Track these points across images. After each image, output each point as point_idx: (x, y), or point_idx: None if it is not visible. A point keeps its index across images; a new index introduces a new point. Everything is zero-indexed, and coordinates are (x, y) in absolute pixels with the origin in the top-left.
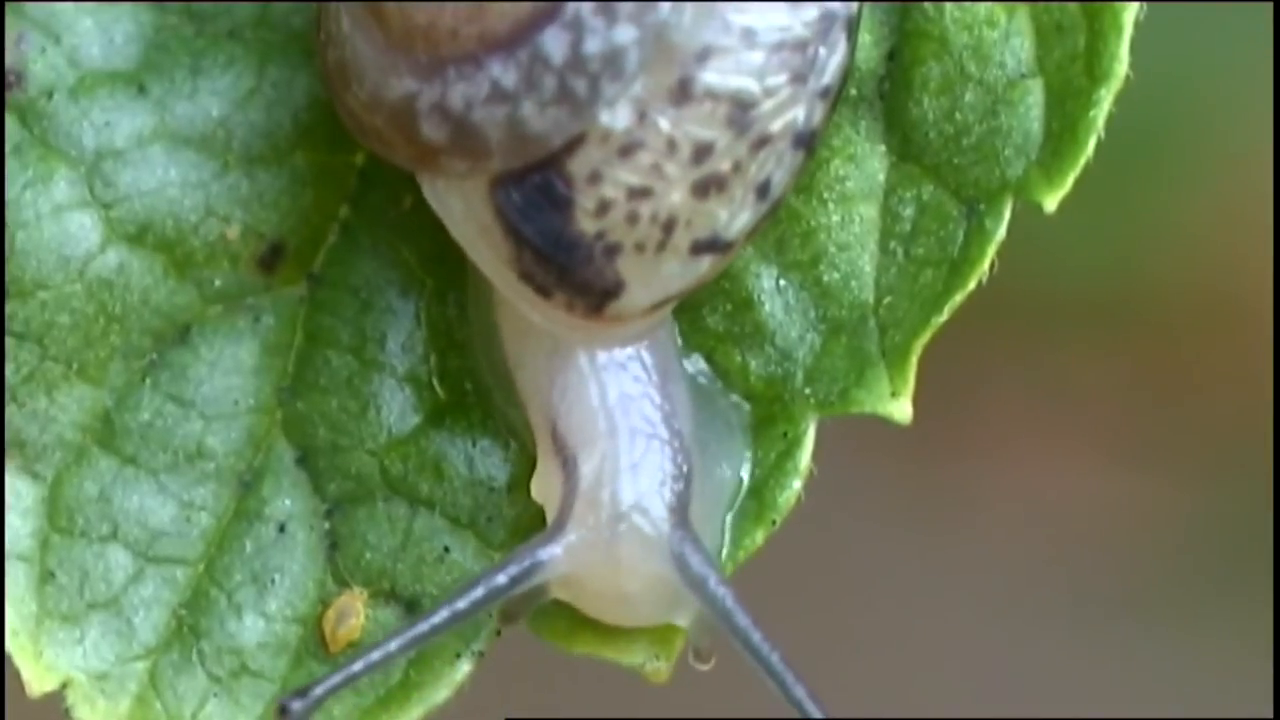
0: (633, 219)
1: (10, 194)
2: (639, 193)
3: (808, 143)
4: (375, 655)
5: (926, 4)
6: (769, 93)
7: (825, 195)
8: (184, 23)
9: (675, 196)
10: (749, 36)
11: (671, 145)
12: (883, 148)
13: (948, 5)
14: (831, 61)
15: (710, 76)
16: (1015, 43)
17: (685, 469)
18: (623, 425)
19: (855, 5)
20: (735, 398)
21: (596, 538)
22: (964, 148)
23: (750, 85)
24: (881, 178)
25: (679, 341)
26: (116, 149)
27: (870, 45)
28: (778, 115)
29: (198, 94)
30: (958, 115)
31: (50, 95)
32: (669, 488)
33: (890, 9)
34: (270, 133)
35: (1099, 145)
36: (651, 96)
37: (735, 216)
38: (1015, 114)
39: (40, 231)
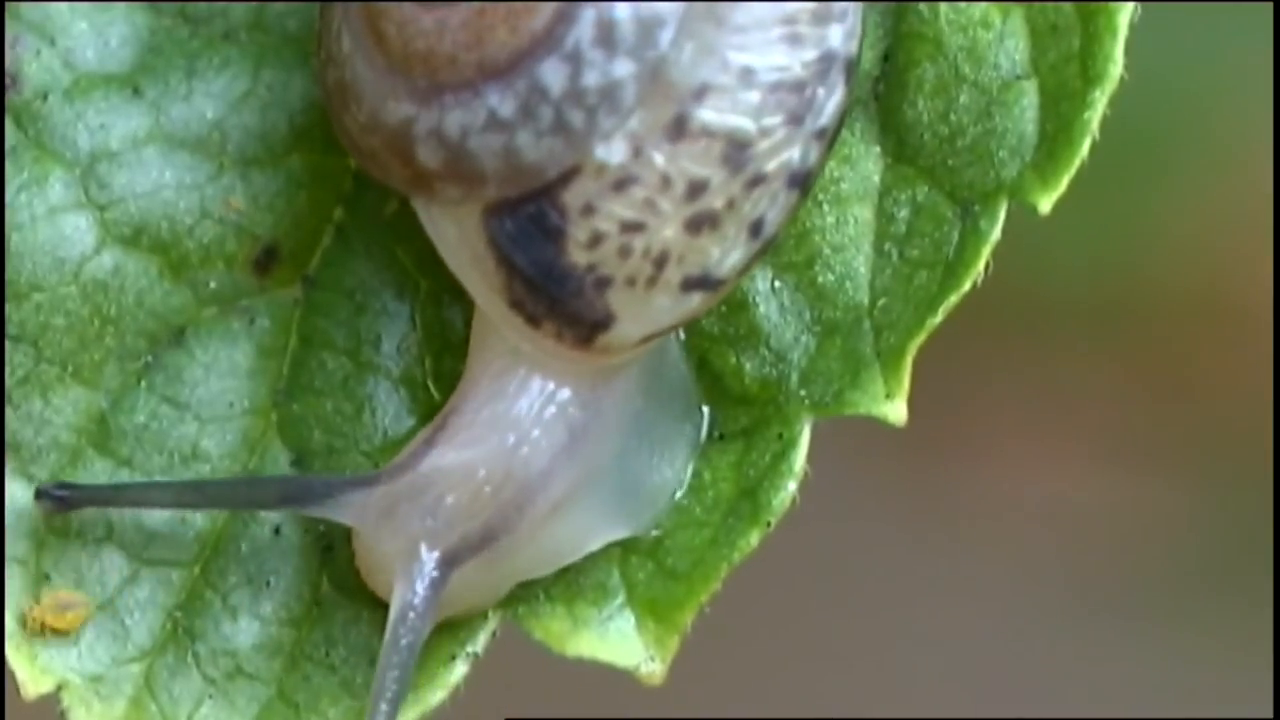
0: (624, 253)
1: (6, 196)
2: (632, 227)
3: (803, 183)
4: (135, 492)
5: (921, 5)
6: (765, 133)
7: (820, 197)
8: (179, 25)
9: (668, 232)
10: (747, 76)
11: (666, 181)
12: (877, 149)
13: (942, 7)
14: (829, 103)
15: (707, 114)
16: (1010, 44)
17: (489, 543)
18: (483, 460)
19: (855, 47)
20: (703, 409)
21: (380, 519)
22: (959, 149)
23: (746, 124)
24: (876, 179)
25: (663, 370)
26: (111, 151)
27: (865, 47)
28: (773, 155)
29: (193, 96)
30: (952, 117)
31: (45, 97)
32: (466, 542)
33: (885, 10)
34: (265, 135)
35: (1098, 146)
36: (647, 131)
37: (727, 254)
38: (1010, 115)
39: (35, 233)
